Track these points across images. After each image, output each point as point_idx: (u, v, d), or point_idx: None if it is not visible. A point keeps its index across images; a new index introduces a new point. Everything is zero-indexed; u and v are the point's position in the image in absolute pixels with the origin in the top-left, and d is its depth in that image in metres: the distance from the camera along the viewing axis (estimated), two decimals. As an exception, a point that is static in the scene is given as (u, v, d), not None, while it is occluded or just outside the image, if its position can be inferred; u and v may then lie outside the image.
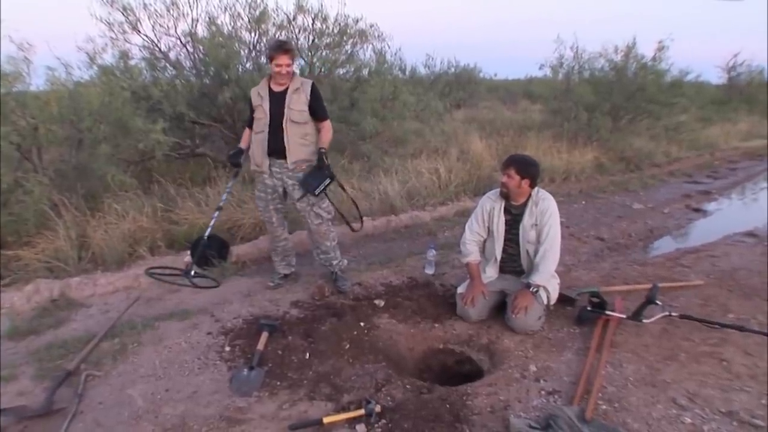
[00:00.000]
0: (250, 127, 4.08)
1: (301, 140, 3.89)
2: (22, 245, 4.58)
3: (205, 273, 4.36)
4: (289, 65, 3.78)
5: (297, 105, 3.83)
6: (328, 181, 3.81)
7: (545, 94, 12.29)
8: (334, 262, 4.27)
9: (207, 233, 4.23)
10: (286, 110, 3.82)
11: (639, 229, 6.41)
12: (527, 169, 3.52)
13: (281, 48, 3.77)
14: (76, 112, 5.17)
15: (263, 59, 7.29)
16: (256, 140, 3.99)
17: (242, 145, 4.16)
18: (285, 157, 3.90)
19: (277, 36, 7.24)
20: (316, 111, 3.92)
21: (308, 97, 3.86)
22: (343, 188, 4.30)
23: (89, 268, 4.56)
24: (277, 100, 3.86)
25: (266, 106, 3.88)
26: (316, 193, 3.81)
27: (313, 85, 3.92)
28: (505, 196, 3.62)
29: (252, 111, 4.02)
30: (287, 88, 3.85)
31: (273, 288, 4.31)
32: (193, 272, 4.11)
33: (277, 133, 3.87)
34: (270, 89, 3.91)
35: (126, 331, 3.57)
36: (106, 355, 3.25)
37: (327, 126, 3.99)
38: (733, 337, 3.43)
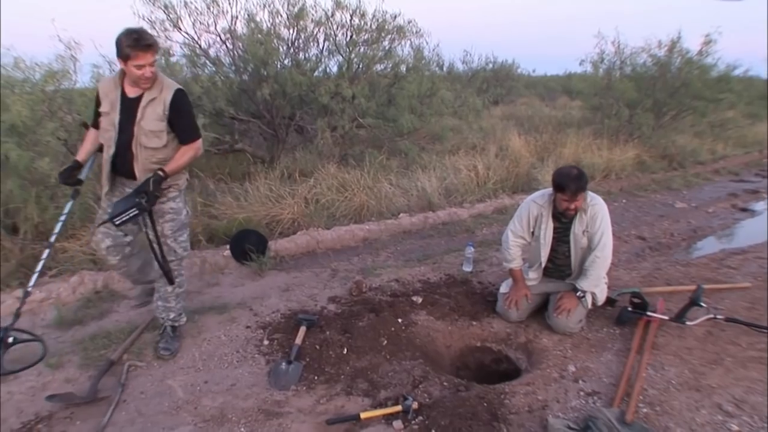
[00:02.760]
0: (96, 127, 3.09)
1: (158, 167, 2.92)
2: (67, 238, 4.71)
3: (32, 333, 3.24)
4: (153, 64, 2.78)
5: (150, 122, 2.85)
6: (134, 212, 2.83)
7: (585, 91, 12.07)
8: (171, 315, 3.33)
9: (38, 268, 3.12)
10: (135, 128, 2.86)
11: (682, 229, 6.24)
12: (586, 184, 3.33)
13: (141, 43, 2.71)
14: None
15: (301, 55, 7.37)
16: (103, 158, 3.02)
17: (79, 157, 3.15)
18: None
19: (314, 32, 7.30)
20: (178, 130, 2.94)
21: (167, 111, 2.86)
22: (155, 232, 3.02)
23: (132, 261, 4.66)
24: (129, 111, 2.87)
25: (115, 117, 2.88)
26: (116, 223, 2.85)
27: (176, 93, 2.88)
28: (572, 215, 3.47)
29: (98, 109, 3.00)
30: (143, 95, 2.87)
31: (136, 306, 3.73)
32: (12, 338, 2.98)
33: (126, 155, 2.92)
34: (123, 92, 2.89)
35: (167, 323, 3.64)
36: (147, 346, 3.32)
37: (190, 148, 2.98)
38: (783, 342, 3.32)
